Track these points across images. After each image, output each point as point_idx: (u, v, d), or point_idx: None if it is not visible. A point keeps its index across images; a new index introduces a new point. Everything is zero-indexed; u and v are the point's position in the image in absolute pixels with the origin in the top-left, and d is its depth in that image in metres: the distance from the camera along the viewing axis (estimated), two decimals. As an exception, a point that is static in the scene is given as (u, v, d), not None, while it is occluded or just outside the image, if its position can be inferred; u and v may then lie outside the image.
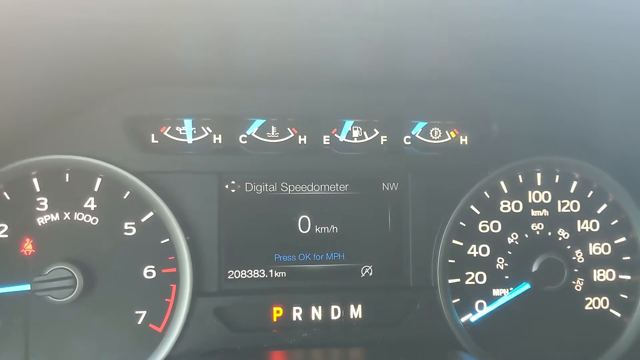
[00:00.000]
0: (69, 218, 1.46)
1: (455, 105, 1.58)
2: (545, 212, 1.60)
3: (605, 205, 1.61)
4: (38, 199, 1.45)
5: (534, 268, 1.54)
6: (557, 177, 1.61)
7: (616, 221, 1.61)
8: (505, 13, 1.10)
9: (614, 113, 1.48)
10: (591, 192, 1.61)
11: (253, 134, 1.55)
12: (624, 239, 1.60)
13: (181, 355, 1.44)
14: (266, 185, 1.53)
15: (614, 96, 1.42)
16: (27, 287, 1.40)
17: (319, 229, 1.54)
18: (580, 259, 1.59)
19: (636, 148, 1.52)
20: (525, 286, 1.54)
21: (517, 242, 1.57)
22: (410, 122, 1.59)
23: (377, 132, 1.58)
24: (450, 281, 1.55)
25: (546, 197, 1.60)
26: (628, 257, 1.60)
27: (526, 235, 1.58)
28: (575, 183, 1.61)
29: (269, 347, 1.45)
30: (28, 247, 1.45)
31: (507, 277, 1.57)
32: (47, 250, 1.43)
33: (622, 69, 1.26)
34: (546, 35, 1.19)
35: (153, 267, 1.48)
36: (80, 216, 1.46)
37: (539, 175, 1.61)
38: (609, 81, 1.34)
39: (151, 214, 1.48)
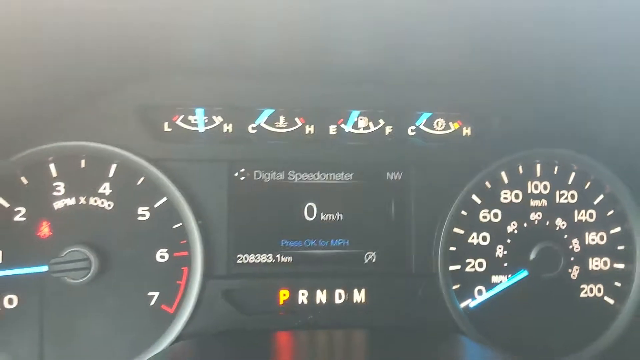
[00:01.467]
0: (84, 202, 1.44)
1: (459, 98, 1.54)
2: (543, 202, 1.57)
3: (601, 196, 1.58)
4: (55, 184, 1.44)
5: (532, 256, 1.52)
6: (556, 168, 1.58)
7: (612, 212, 1.58)
8: (508, 12, 1.08)
9: (611, 107, 1.45)
10: (588, 184, 1.58)
11: (262, 124, 1.52)
12: (619, 229, 1.58)
13: (191, 336, 1.41)
14: (274, 173, 1.51)
15: (611, 92, 1.39)
16: (45, 268, 1.38)
17: (324, 217, 1.52)
18: (577, 248, 1.57)
19: (632, 141, 1.48)
20: (523, 273, 1.53)
21: (516, 231, 1.55)
22: (415, 113, 1.56)
23: (382, 123, 1.55)
24: (451, 268, 1.53)
25: (545, 187, 1.58)
26: (623, 247, 1.58)
27: (525, 225, 1.55)
28: (573, 174, 1.58)
29: (276, 329, 1.43)
30: (45, 230, 1.43)
31: (505, 264, 1.54)
32: (63, 233, 1.42)
33: (619, 66, 1.22)
34: (546, 34, 1.15)
35: (165, 250, 1.46)
36: (95, 201, 1.44)
37: (538, 166, 1.57)
38: (606, 78, 1.32)
39: (164, 199, 1.46)
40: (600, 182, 1.58)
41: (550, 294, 1.55)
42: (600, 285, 1.58)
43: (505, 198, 1.55)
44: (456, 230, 1.53)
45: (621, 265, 1.58)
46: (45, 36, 1.06)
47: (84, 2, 0.97)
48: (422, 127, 1.56)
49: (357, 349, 1.31)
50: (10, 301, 1.41)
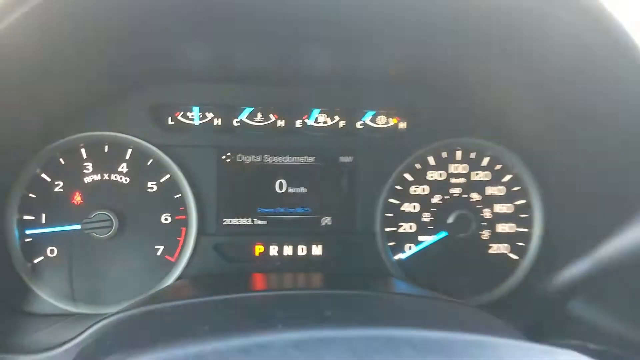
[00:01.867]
0: (107, 178, 1.75)
1: (397, 99, 1.88)
2: (462, 180, 1.90)
3: (509, 176, 1.91)
4: (85, 164, 1.74)
5: (450, 220, 1.87)
6: (473, 154, 1.91)
7: (517, 188, 1.91)
8: (431, 34, 1.39)
9: (516, 104, 1.73)
10: (499, 166, 1.91)
11: (244, 119, 1.84)
12: (523, 201, 1.91)
13: (188, 277, 1.76)
14: (253, 156, 1.83)
15: (515, 90, 1.65)
16: (77, 227, 1.70)
17: (292, 190, 1.85)
18: (488, 216, 1.90)
19: (533, 132, 1.78)
20: (443, 234, 1.88)
21: (439, 202, 1.89)
22: (362, 111, 1.89)
23: (337, 119, 1.88)
24: (387, 229, 1.87)
25: (464, 168, 1.90)
26: (525, 215, 1.91)
27: (447, 197, 1.89)
28: (487, 159, 1.91)
29: (252, 271, 1.79)
30: (77, 198, 1.74)
31: (430, 227, 1.88)
32: (91, 201, 1.74)
33: (522, 68, 1.48)
34: (458, 47, 1.46)
35: (169, 214, 1.78)
36: (115, 177, 1.76)
37: (458, 152, 1.90)
38: (511, 79, 1.58)
39: (168, 176, 1.78)
40: (508, 165, 1.91)
41: (465, 250, 1.88)
42: (506, 244, 1.91)
43: (431, 176, 1.90)
44: (392, 200, 1.88)
45: (524, 229, 1.91)
46: (83, 53, 1.39)
47: (113, 31, 1.31)
48: (367, 122, 1.90)
49: (313, 283, 1.70)
50: (52, 251, 1.73)
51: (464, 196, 1.91)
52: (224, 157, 1.83)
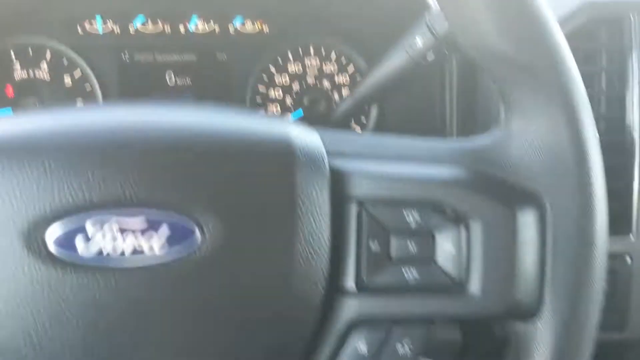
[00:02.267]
0: (33, 75, 2.15)
1: (260, 7, 2.25)
2: (316, 71, 2.32)
3: (353, 68, 2.33)
4: (14, 63, 2.15)
5: (305, 102, 2.32)
6: (323, 49, 2.30)
7: (360, 78, 2.30)
8: None
9: (354, 11, 2.16)
10: (345, 60, 2.31)
11: (138, 27, 2.22)
12: None
13: None
14: (145, 54, 2.23)
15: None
16: (10, 110, 2.15)
17: (178, 80, 2.26)
18: (337, 98, 2.34)
19: (369, 32, 2.20)
20: (300, 113, 2.33)
21: (298, 89, 2.30)
22: (233, 17, 2.24)
23: (212, 23, 2.24)
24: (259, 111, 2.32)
25: (317, 61, 2.31)
26: None
27: (303, 84, 2.31)
28: (334, 54, 2.31)
29: None
30: (10, 90, 2.16)
31: (291, 108, 2.31)
32: (20, 92, 2.14)
33: None
34: None
35: (82, 101, 2.22)
36: (38, 74, 2.17)
37: (311, 48, 2.30)
38: None
39: (80, 73, 2.20)
40: (350, 58, 2.30)
41: (318, 123, 2.32)
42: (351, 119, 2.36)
43: (291, 69, 2.31)
44: (260, 88, 2.30)
45: (365, 107, 2.31)
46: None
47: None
48: (237, 26, 2.26)
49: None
50: (-9, 131, 2.27)
51: (317, 84, 2.34)
52: (122, 55, 2.26)
